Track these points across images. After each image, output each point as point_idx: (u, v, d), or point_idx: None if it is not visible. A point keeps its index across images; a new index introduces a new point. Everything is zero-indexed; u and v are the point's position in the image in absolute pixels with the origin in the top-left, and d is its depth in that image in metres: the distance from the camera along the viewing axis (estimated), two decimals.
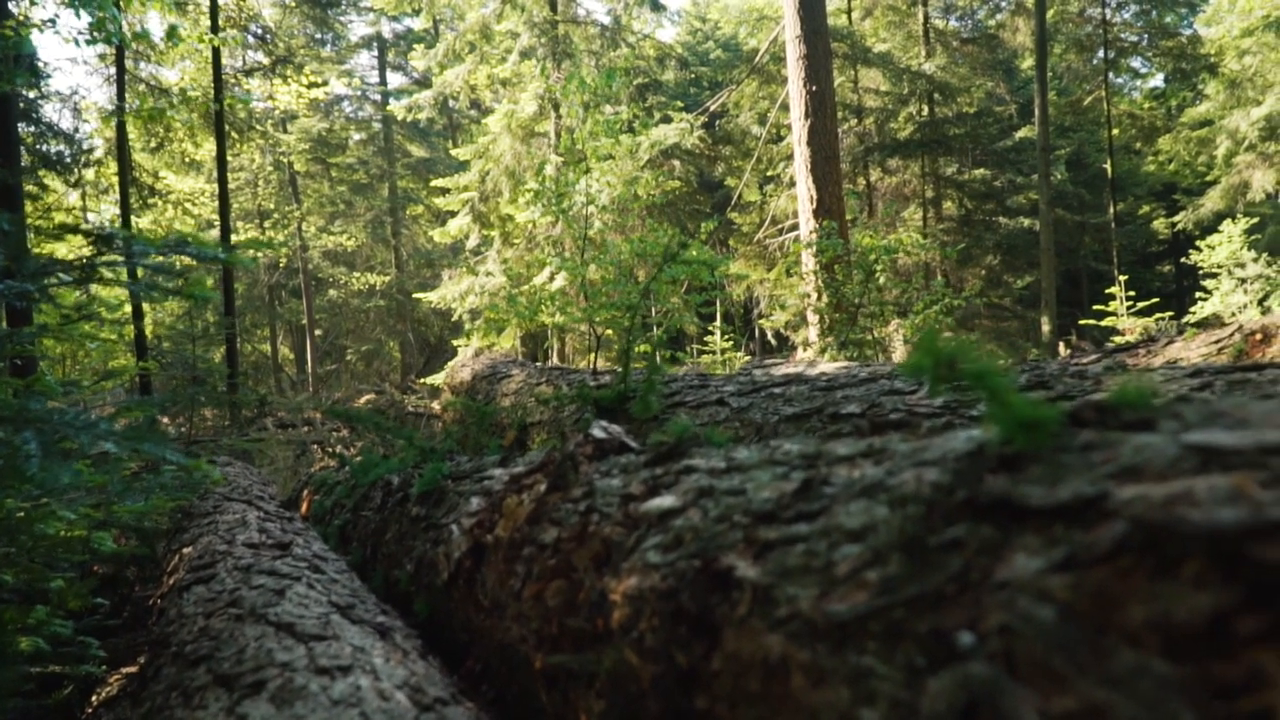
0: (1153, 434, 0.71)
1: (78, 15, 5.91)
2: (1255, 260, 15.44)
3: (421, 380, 17.33)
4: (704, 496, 1.21)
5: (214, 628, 1.92)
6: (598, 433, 1.84)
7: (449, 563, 2.04)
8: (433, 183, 19.53)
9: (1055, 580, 0.62)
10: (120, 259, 2.09)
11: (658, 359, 5.64)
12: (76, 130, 16.71)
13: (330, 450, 7.08)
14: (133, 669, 3.30)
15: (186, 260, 2.19)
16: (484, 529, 1.94)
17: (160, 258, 2.12)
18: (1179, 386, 1.88)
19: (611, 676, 1.20)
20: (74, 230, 1.95)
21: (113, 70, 14.54)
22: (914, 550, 0.76)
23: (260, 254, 24.71)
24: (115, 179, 14.52)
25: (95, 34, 6.68)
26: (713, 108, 18.54)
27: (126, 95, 14.99)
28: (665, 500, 1.28)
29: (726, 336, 14.96)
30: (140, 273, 2.32)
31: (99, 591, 4.40)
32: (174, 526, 4.32)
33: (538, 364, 6.31)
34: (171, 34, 6.85)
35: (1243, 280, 15.73)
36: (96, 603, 3.36)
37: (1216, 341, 2.94)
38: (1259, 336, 2.78)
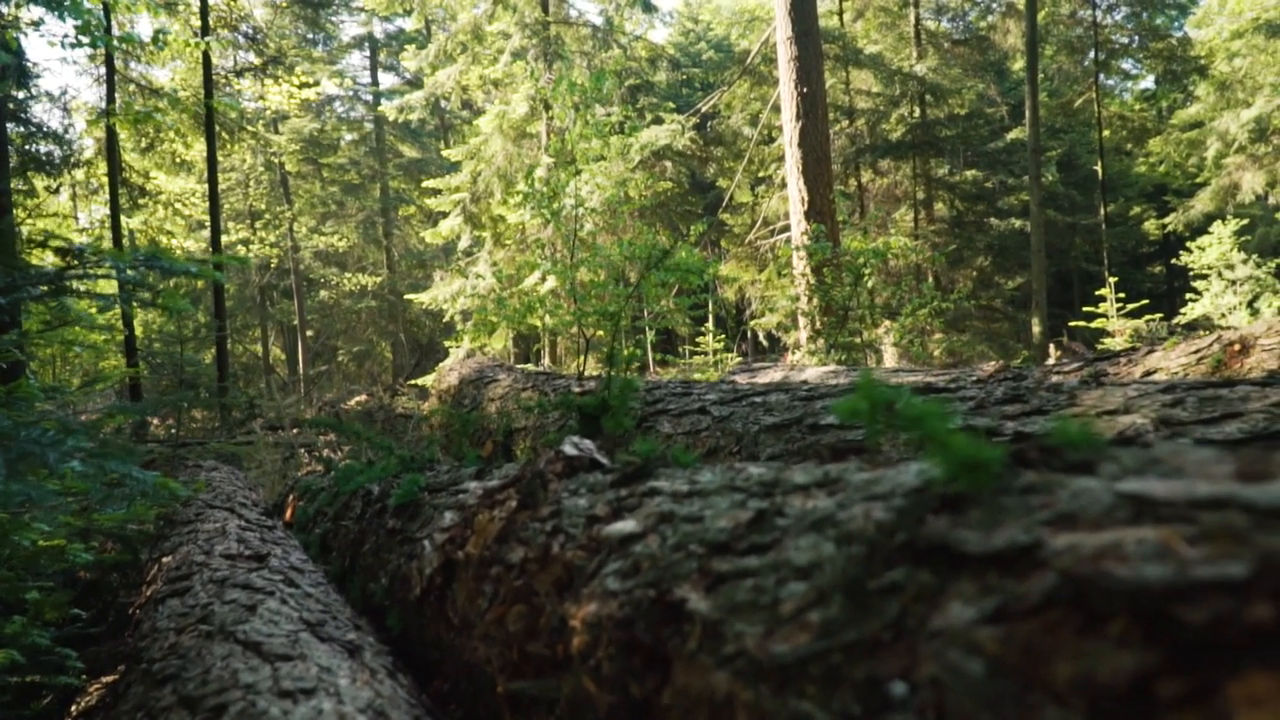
0: (1092, 478, 0.70)
1: (62, 19, 5.87)
2: (1245, 262, 15.50)
3: (412, 381, 17.29)
4: (664, 522, 1.20)
5: (183, 645, 1.90)
6: (569, 450, 1.83)
7: (421, 578, 2.03)
8: (424, 183, 19.51)
9: (986, 632, 0.62)
10: (96, 273, 2.08)
11: (632, 373, 5.65)
12: (66, 130, 16.64)
13: (317, 455, 7.05)
14: (113, 678, 3.29)
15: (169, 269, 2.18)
16: (455, 545, 1.93)
17: (132, 271, 2.11)
18: (1151, 403, 1.87)
19: (571, 704, 1.20)
20: (44, 245, 1.93)
21: (103, 70, 14.48)
22: (855, 593, 0.75)
23: (254, 254, 24.67)
24: (105, 179, 14.45)
25: (80, 38, 6.65)
26: (704, 109, 18.54)
27: (117, 95, 14.94)
28: (627, 525, 1.27)
29: (718, 338, 14.98)
30: (114, 286, 2.30)
31: (82, 599, 4.38)
32: (156, 533, 4.30)
33: (524, 369, 6.30)
34: (157, 38, 6.82)
35: (1232, 282, 15.78)
36: (74, 614, 3.34)
37: (1196, 351, 2.94)
38: (1237, 347, 2.78)
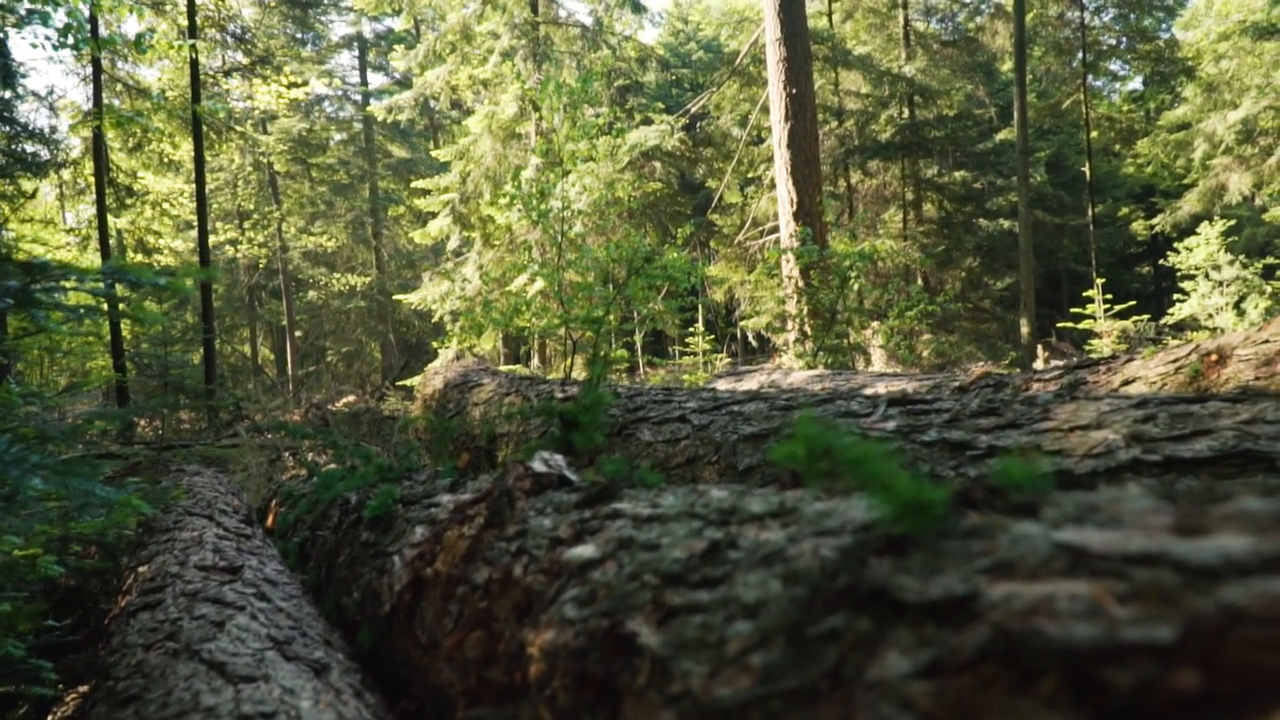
0: (1034, 522, 0.69)
1: (44, 23, 5.84)
2: (1231, 263, 15.55)
3: (401, 382, 17.25)
4: (623, 548, 1.19)
5: (149, 663, 1.88)
6: (538, 465, 1.81)
7: (391, 595, 2.01)
8: (413, 184, 19.47)
9: (920, 687, 0.60)
10: (64, 286, 2.05)
11: (620, 375, 5.63)
12: (53, 130, 16.55)
13: (301, 459, 7.01)
14: (89, 687, 3.27)
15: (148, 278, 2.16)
16: (425, 561, 1.91)
17: (98, 283, 2.08)
18: (1123, 418, 1.87)
19: None
20: (6, 259, 1.91)
21: (90, 69, 14.39)
22: (796, 637, 0.74)
23: (242, 254, 24.57)
24: (92, 179, 14.37)
25: (63, 39, 6.60)
26: (694, 110, 18.53)
27: (104, 94, 14.86)
28: (587, 550, 1.26)
29: (707, 339, 14.97)
30: (81, 299, 2.28)
31: (64, 605, 4.35)
32: (135, 540, 4.27)
33: (509, 372, 6.27)
34: (139, 42, 6.78)
35: (1219, 283, 15.84)
36: (48, 625, 3.31)
37: (1174, 361, 2.94)
38: (1214, 357, 2.78)
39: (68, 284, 2.05)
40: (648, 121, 18.27)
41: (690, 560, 1.02)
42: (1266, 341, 2.66)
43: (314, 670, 1.76)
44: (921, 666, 0.61)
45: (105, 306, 2.19)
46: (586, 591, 1.16)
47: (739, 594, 0.88)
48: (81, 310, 2.22)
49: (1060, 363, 3.61)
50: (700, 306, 22.14)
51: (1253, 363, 2.66)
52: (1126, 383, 3.07)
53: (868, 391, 5.09)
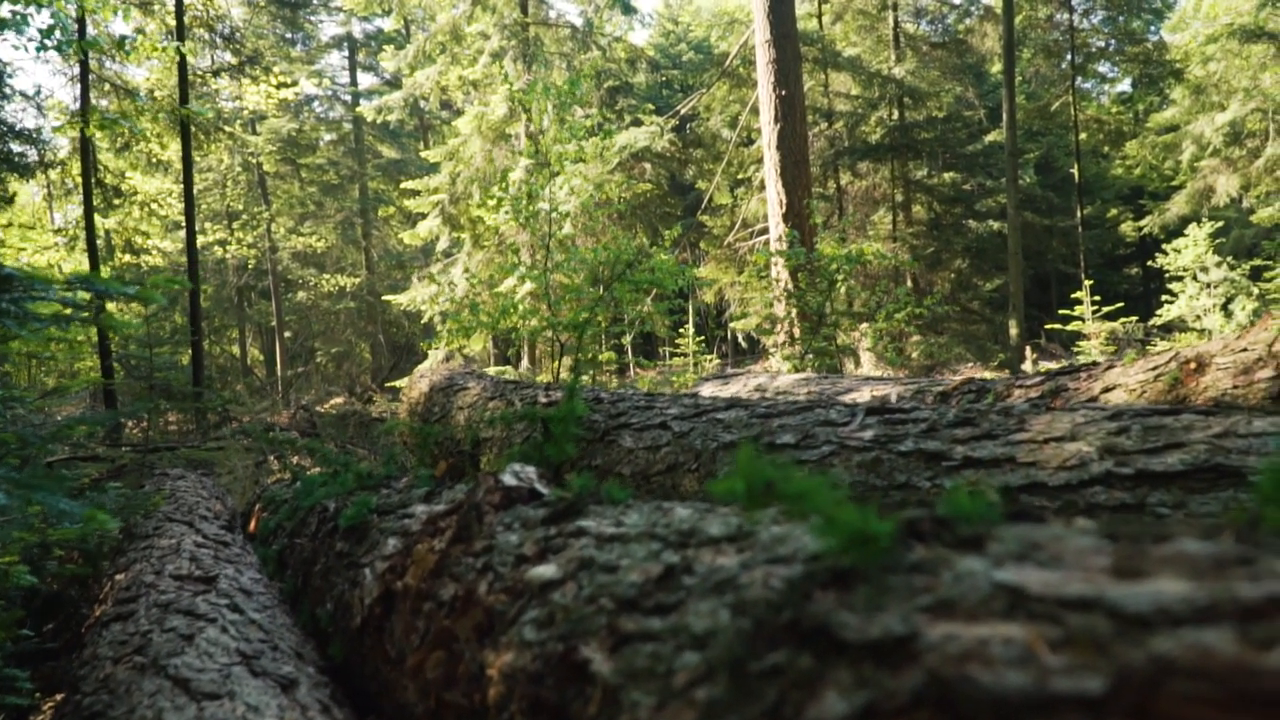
0: (979, 557, 0.68)
1: (19, 32, 5.78)
2: (1219, 265, 15.60)
3: (391, 383, 17.20)
4: (584, 569, 1.18)
5: (116, 678, 1.86)
6: (508, 479, 1.79)
7: (362, 608, 1.99)
8: (403, 184, 19.40)
9: None
10: (32, 295, 2.03)
11: (608, 378, 5.61)
12: (40, 131, 16.44)
13: (286, 462, 6.97)
14: (63, 696, 3.24)
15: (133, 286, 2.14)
16: (396, 575, 1.90)
17: (68, 292, 2.06)
18: (1097, 430, 1.86)
19: None
20: None
21: (77, 70, 14.30)
22: (739, 673, 0.73)
23: (231, 255, 24.47)
24: (80, 180, 14.28)
25: (46, 41, 6.56)
26: (684, 111, 18.52)
27: (92, 95, 14.77)
28: (548, 570, 1.25)
29: (697, 340, 14.96)
30: (53, 308, 2.26)
31: (46, 610, 4.32)
32: (114, 548, 4.24)
33: (494, 376, 6.25)
34: (122, 44, 6.73)
35: (1207, 284, 15.89)
36: (24, 633, 3.28)
37: (1154, 369, 2.94)
38: (1193, 365, 2.78)
39: (33, 293, 2.03)
40: (638, 123, 18.25)
41: (646, 585, 1.00)
42: (1245, 350, 2.65)
43: (281, 686, 1.74)
44: (858, 709, 0.60)
45: (69, 313, 2.17)
46: (546, 613, 1.15)
47: (690, 623, 0.86)
48: (52, 318, 2.20)
49: (1042, 371, 3.61)
50: (691, 308, 22.15)
51: (1231, 371, 2.66)
52: (1107, 390, 3.07)
53: (852, 397, 5.08)
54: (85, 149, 12.63)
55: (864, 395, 4.91)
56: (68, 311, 2.25)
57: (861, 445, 2.36)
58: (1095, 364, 3.28)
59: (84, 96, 12.76)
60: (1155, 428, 1.77)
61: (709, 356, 16.73)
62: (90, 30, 13.30)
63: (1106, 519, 1.76)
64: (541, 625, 1.13)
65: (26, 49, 6.57)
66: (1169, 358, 2.91)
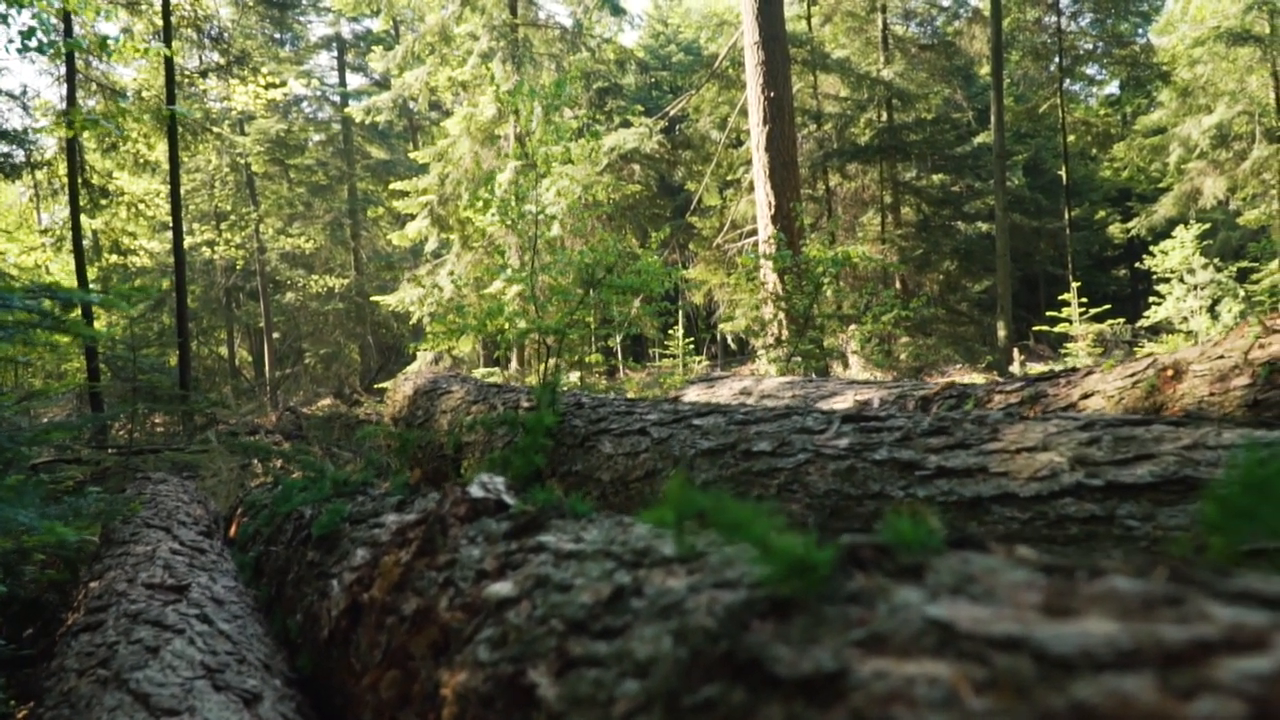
0: (917, 588, 0.66)
1: (6, 23, 5.74)
2: (1205, 267, 15.65)
3: (379, 385, 17.15)
4: (539, 587, 1.16)
5: (78, 692, 1.84)
6: (475, 490, 1.77)
7: (329, 619, 1.97)
8: (392, 185, 19.35)
9: None
10: None
11: (597, 379, 5.60)
12: (26, 131, 16.34)
13: (268, 467, 6.93)
14: (26, 712, 3.22)
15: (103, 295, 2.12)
16: (362, 586, 1.87)
17: (31, 300, 2.04)
18: (1069, 440, 1.85)
19: None
20: None
21: (64, 69, 14.21)
22: (674, 707, 0.71)
23: (219, 255, 24.36)
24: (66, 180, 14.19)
25: (27, 42, 6.51)
26: (673, 112, 18.51)
27: (79, 94, 14.69)
28: (505, 587, 1.23)
29: (686, 341, 14.95)
30: (20, 315, 2.23)
31: (23, 618, 4.28)
32: (92, 553, 4.21)
33: (477, 379, 6.22)
34: (104, 44, 6.69)
35: (1194, 286, 15.93)
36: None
37: (1131, 375, 2.93)
38: (1170, 372, 2.77)
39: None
40: (627, 124, 18.23)
41: (595, 607, 0.99)
42: (1221, 357, 2.65)
43: (244, 700, 1.72)
44: None
45: (37, 320, 2.14)
46: (500, 633, 1.13)
47: (634, 649, 0.85)
48: (16, 325, 2.18)
49: (1021, 378, 3.60)
50: (680, 309, 22.14)
51: (1208, 378, 2.65)
52: (1086, 396, 3.06)
53: (836, 400, 5.08)
54: (72, 149, 12.56)
55: (848, 399, 4.91)
56: (35, 319, 2.23)
57: (837, 453, 2.35)
58: (1075, 370, 3.28)
59: (70, 94, 12.70)
60: (1126, 438, 1.77)
61: (698, 358, 16.71)
62: (77, 30, 13.23)
63: (1046, 548, 1.75)
64: (496, 645, 1.12)
65: (7, 50, 6.51)
66: (1147, 364, 2.91)
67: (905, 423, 2.30)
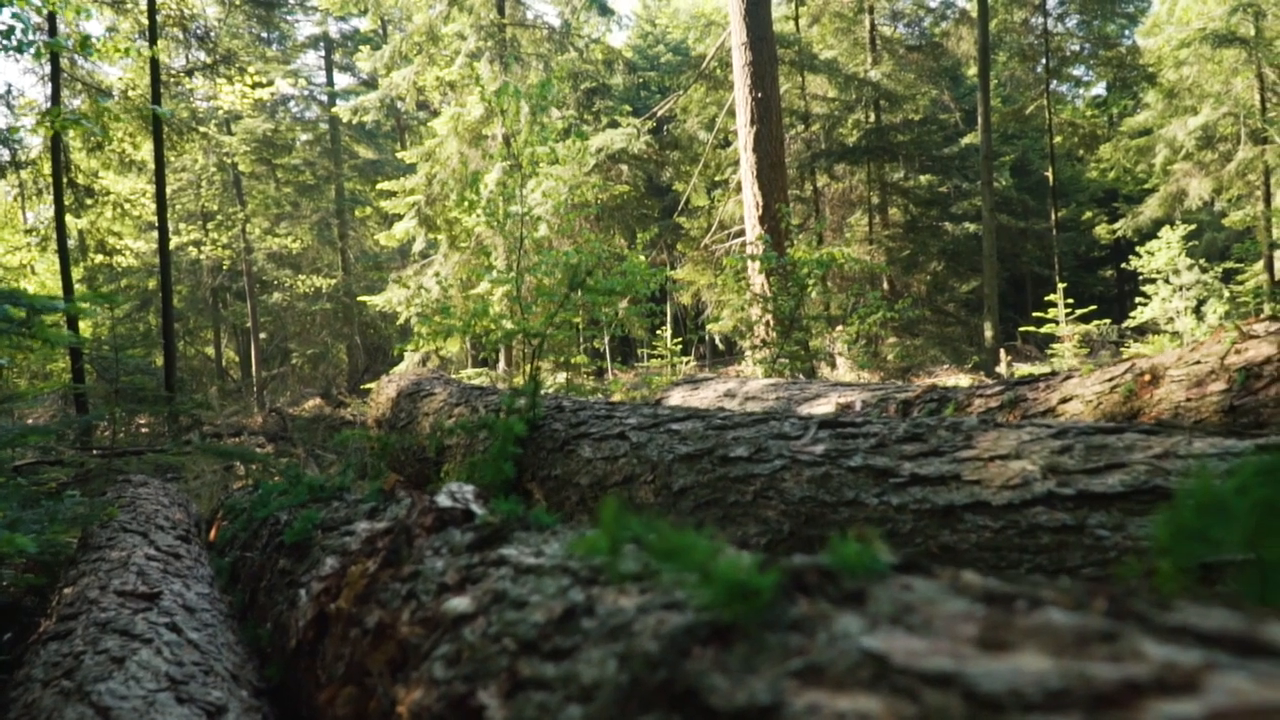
0: (858, 615, 0.64)
1: None
2: (1191, 268, 15.72)
3: (366, 386, 17.09)
4: (497, 603, 1.14)
5: (41, 704, 1.81)
6: (443, 500, 1.75)
7: (296, 630, 1.95)
8: (379, 185, 19.28)
9: None
10: None
11: (583, 380, 5.57)
12: (11, 130, 16.21)
13: (250, 470, 6.89)
14: None
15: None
16: (330, 597, 1.85)
17: None
18: (1042, 448, 1.84)
19: None
20: None
21: (49, 69, 14.11)
22: None
23: (206, 256, 24.25)
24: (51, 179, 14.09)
25: (4, 42, 6.45)
26: (660, 113, 18.50)
27: (64, 94, 14.60)
28: (462, 602, 1.21)
29: (674, 341, 14.94)
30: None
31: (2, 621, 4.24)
32: (69, 558, 4.17)
33: (461, 381, 6.19)
34: (85, 44, 6.64)
35: (1180, 287, 16.01)
36: None
37: (1110, 380, 2.93)
38: (1147, 378, 2.77)
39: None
40: (615, 124, 18.21)
41: (547, 626, 0.97)
42: (1198, 363, 2.65)
43: (208, 714, 1.70)
44: None
45: (4, 326, 2.12)
46: (455, 650, 1.11)
47: (580, 672, 0.83)
48: None
49: (1000, 382, 3.60)
50: (669, 309, 22.12)
51: (1185, 384, 2.65)
52: (1065, 400, 3.06)
53: (819, 403, 5.07)
54: (56, 148, 12.48)
55: (831, 401, 4.90)
56: (3, 325, 2.20)
57: (812, 460, 2.33)
58: (1054, 374, 3.27)
59: (55, 93, 12.62)
60: (1098, 447, 1.76)
61: (686, 359, 16.71)
62: (62, 28, 13.14)
63: (1018, 557, 1.74)
64: (450, 663, 1.10)
65: None
66: (1125, 369, 2.90)
67: (881, 429, 2.29)
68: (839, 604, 0.68)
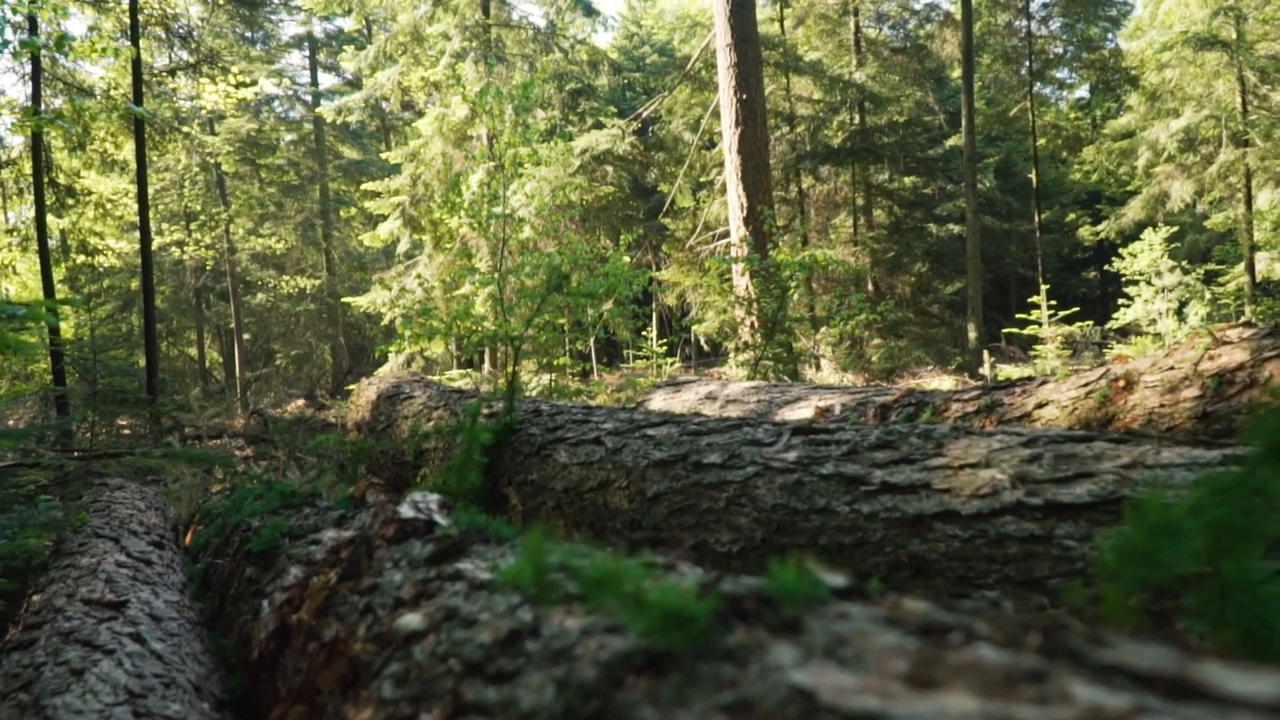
0: (792, 645, 0.63)
1: None
2: (1173, 269, 15.81)
3: (349, 387, 17.01)
4: (448, 620, 1.12)
5: None
6: (405, 510, 1.73)
7: (259, 641, 1.92)
8: (364, 186, 19.20)
9: None
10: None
11: (570, 381, 5.54)
12: None
13: (228, 473, 6.82)
14: None
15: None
16: (292, 608, 1.82)
17: None
18: (1011, 457, 1.83)
19: None
20: None
21: (29, 68, 13.98)
22: None
23: (189, 256, 24.10)
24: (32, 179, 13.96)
25: None
26: (646, 114, 18.49)
27: (46, 93, 14.47)
28: (415, 619, 1.18)
29: (660, 343, 14.93)
30: None
31: None
32: (41, 564, 4.12)
33: (440, 384, 6.15)
34: (61, 43, 6.58)
35: (1162, 289, 16.09)
36: None
37: (1085, 385, 2.92)
38: (1122, 383, 2.77)
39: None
40: (600, 125, 18.20)
41: (492, 647, 0.95)
42: (1172, 369, 2.64)
43: None
44: None
45: None
46: (404, 669, 1.09)
47: (519, 697, 0.81)
48: None
49: (978, 387, 3.60)
50: (654, 311, 22.11)
51: (1159, 389, 2.65)
52: (1040, 405, 3.05)
53: (798, 406, 5.06)
54: (37, 148, 12.39)
55: (810, 405, 4.89)
56: None
57: (785, 467, 2.32)
58: (1031, 379, 3.27)
59: (35, 93, 12.53)
60: (1067, 456, 1.75)
61: (672, 360, 16.69)
62: (44, 27, 13.03)
63: (986, 568, 1.73)
64: (399, 683, 1.07)
65: None
66: (1100, 374, 2.90)
67: (853, 436, 2.27)
68: (776, 633, 0.66)
